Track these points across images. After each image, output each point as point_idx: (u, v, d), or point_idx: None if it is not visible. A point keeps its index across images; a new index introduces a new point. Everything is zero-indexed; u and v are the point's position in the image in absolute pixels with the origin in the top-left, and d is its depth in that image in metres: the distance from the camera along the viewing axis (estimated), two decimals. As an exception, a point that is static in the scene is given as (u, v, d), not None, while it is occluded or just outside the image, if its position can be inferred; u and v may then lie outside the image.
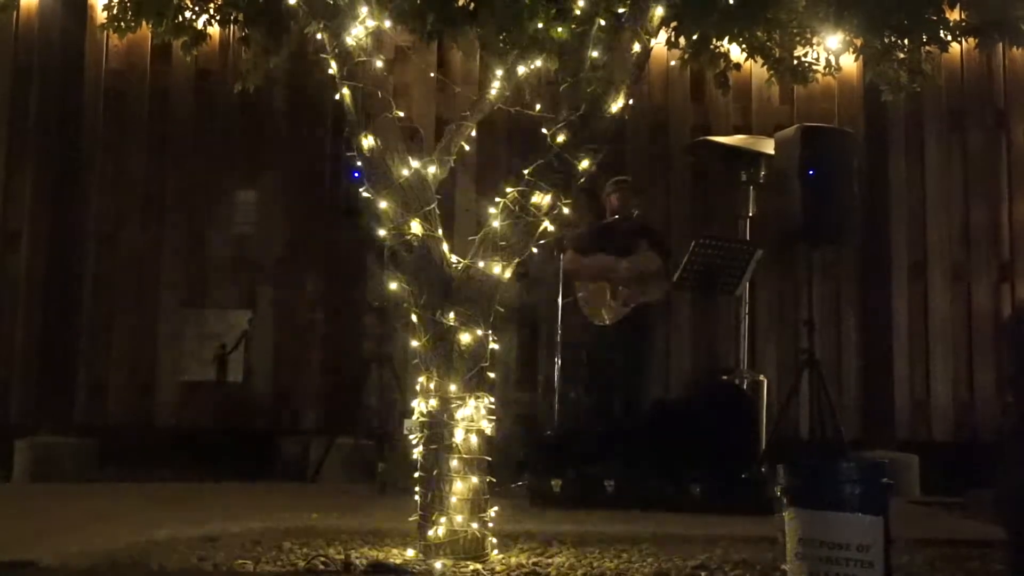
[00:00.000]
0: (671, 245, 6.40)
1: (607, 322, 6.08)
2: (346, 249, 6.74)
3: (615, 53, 3.95)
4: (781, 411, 6.23)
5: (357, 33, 3.89)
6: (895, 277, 7.09)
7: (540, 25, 4.13)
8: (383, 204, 3.90)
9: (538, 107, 4.19)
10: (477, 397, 3.80)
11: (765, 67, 5.14)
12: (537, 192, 3.89)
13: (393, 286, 3.96)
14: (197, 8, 4.83)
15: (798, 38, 4.96)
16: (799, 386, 6.20)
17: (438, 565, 3.63)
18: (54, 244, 6.72)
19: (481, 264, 3.88)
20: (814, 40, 5.05)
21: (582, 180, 4.01)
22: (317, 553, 3.81)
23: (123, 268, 6.87)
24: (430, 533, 3.72)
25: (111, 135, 6.94)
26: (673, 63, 5.77)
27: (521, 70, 4.29)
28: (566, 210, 3.99)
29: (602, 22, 3.96)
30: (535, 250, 4.05)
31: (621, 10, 3.95)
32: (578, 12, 4.06)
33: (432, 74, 6.85)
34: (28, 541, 3.83)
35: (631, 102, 4.09)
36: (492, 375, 3.88)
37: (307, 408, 6.81)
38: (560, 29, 4.08)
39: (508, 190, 3.93)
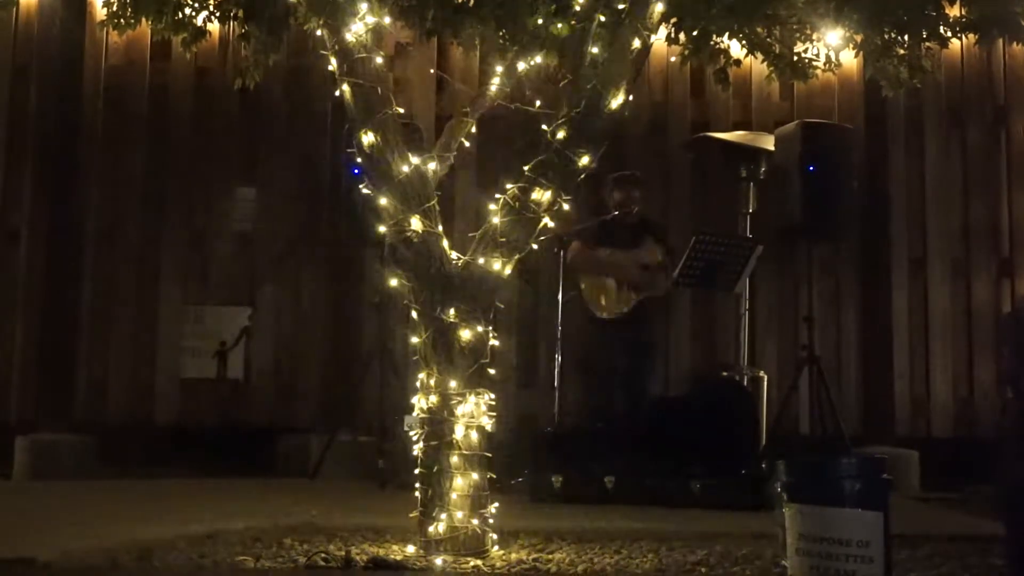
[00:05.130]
0: (671, 241, 6.40)
1: (612, 315, 6.07)
2: (346, 246, 6.74)
3: (615, 49, 3.96)
4: (781, 407, 6.24)
5: (357, 29, 3.89)
6: (895, 273, 7.08)
7: (540, 21, 4.14)
8: (383, 200, 3.90)
9: (538, 103, 4.19)
10: (477, 393, 3.81)
11: (765, 63, 5.14)
12: (537, 188, 3.89)
13: (393, 282, 3.96)
14: (197, 5, 4.83)
15: (798, 34, 4.96)
16: (799, 382, 6.21)
17: (438, 561, 3.63)
18: (53, 241, 6.71)
19: (481, 260, 3.88)
20: (814, 36, 5.05)
21: (582, 176, 4.01)
22: (317, 550, 3.82)
23: (123, 265, 6.87)
24: (430, 529, 3.72)
25: (110, 132, 6.94)
26: (673, 59, 5.76)
27: (521, 66, 4.30)
28: (566, 206, 3.99)
29: (602, 18, 3.96)
30: (535, 246, 4.05)
31: (621, 6, 3.95)
32: (578, 8, 4.07)
33: (432, 70, 6.85)
34: (28, 538, 3.83)
35: (631, 98, 4.09)
36: (492, 371, 3.88)
37: (307, 405, 6.81)
38: (560, 25, 4.08)
39: (508, 186, 3.94)
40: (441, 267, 3.87)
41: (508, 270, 3.95)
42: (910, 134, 7.23)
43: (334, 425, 6.28)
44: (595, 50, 3.90)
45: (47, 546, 3.64)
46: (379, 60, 3.98)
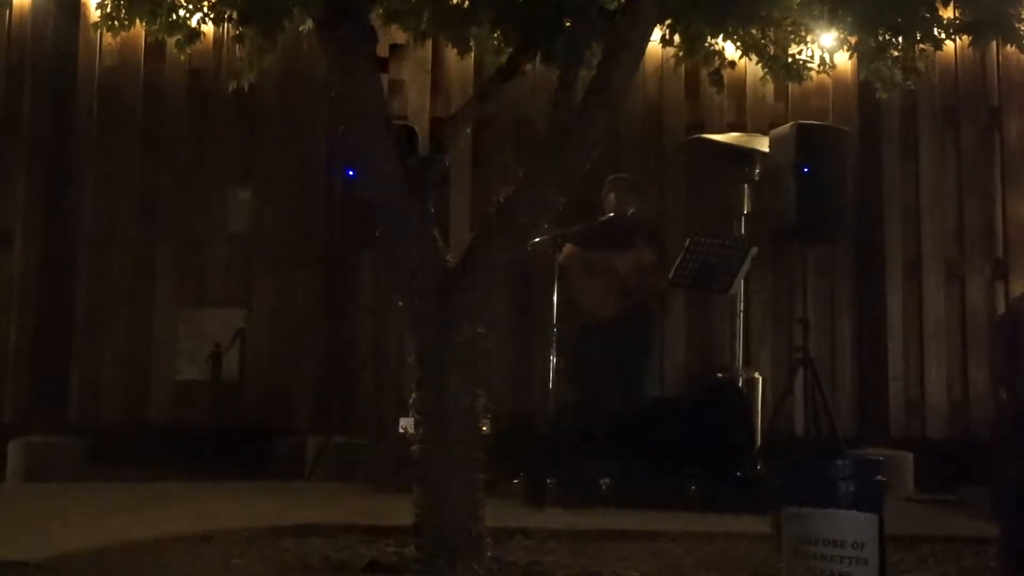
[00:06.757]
0: (666, 242, 6.41)
1: (606, 316, 6.08)
2: (341, 247, 6.73)
3: (610, 52, 3.96)
4: (776, 409, 6.24)
5: (351, 31, 3.89)
6: (889, 274, 7.09)
7: (534, 24, 4.14)
8: (378, 203, 3.90)
9: (531, 106, 4.20)
10: (473, 395, 3.81)
11: (760, 65, 5.14)
12: (533, 190, 3.90)
13: (388, 285, 3.96)
14: (191, 6, 4.81)
15: (792, 36, 4.97)
16: (794, 384, 6.21)
17: (434, 563, 3.63)
18: (47, 243, 6.69)
19: (477, 262, 3.88)
20: (808, 38, 5.05)
21: (577, 178, 4.01)
22: (312, 552, 3.81)
23: (117, 267, 6.85)
24: (426, 531, 3.72)
25: (104, 134, 6.91)
26: (668, 60, 5.76)
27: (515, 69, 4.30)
28: (561, 208, 4.00)
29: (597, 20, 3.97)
30: (531, 248, 4.06)
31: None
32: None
33: (426, 72, 6.85)
34: (22, 541, 3.82)
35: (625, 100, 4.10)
36: (487, 373, 3.88)
37: (302, 406, 6.79)
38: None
39: (503, 188, 3.94)
40: (436, 268, 3.87)
41: (503, 272, 3.95)
42: (904, 136, 7.23)
43: (329, 427, 6.27)
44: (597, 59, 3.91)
45: (41, 548, 3.63)
46: (374, 62, 3.99)
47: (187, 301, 6.84)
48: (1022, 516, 3.28)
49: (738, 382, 6.25)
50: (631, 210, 6.25)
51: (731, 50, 5.12)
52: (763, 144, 6.36)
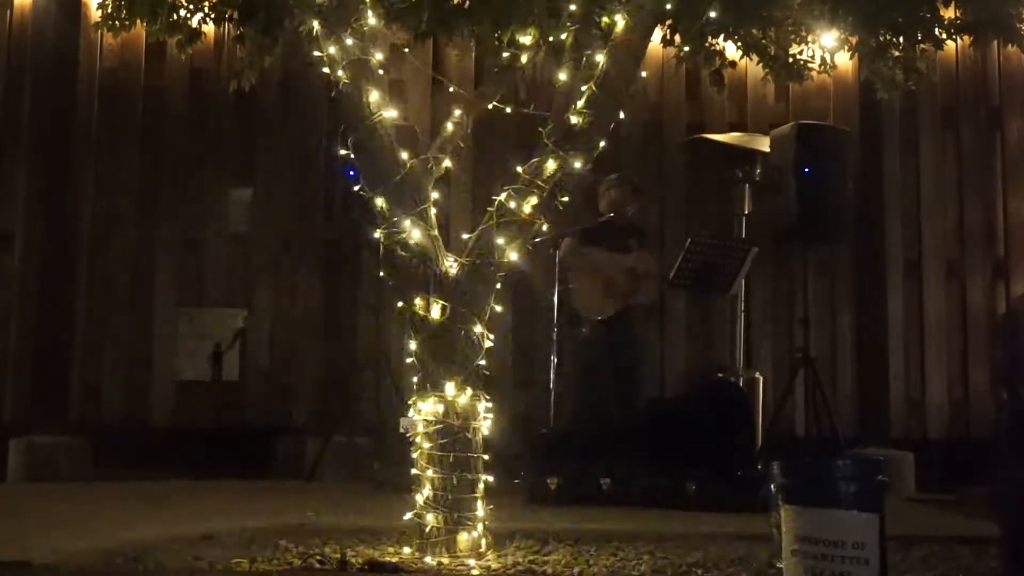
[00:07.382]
0: (664, 245, 6.42)
1: (597, 317, 6.08)
2: (341, 247, 6.73)
3: (611, 51, 3.96)
4: (777, 409, 6.24)
5: (352, 31, 3.89)
6: (890, 275, 7.09)
7: (535, 24, 4.14)
8: (378, 202, 3.90)
9: (533, 106, 4.20)
10: (473, 395, 3.81)
11: (760, 65, 5.14)
12: (533, 190, 3.90)
13: (389, 285, 3.96)
14: (192, 6, 4.82)
15: (793, 36, 4.97)
16: (794, 384, 6.21)
17: (434, 563, 3.63)
18: (48, 244, 6.70)
19: (477, 262, 3.88)
20: (809, 38, 5.06)
21: (577, 178, 4.01)
22: (313, 552, 3.82)
23: (118, 267, 6.86)
24: (426, 531, 3.72)
25: (105, 134, 6.93)
26: (668, 60, 5.76)
27: (517, 68, 4.30)
28: (561, 208, 4.00)
29: (599, 20, 3.97)
30: (531, 248, 4.06)
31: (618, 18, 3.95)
32: (573, 8, 4.07)
33: (427, 72, 6.85)
34: (23, 541, 3.82)
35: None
36: (488, 373, 3.88)
37: (303, 407, 6.80)
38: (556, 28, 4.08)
39: (504, 188, 3.94)
40: (436, 269, 3.87)
41: (503, 272, 3.95)
42: (905, 136, 7.24)
43: (330, 427, 6.27)
44: (599, 58, 3.90)
45: (42, 549, 3.63)
46: (374, 61, 3.99)
47: (187, 301, 6.85)
48: (1022, 516, 3.27)
49: (738, 382, 6.26)
50: (630, 210, 6.25)
51: (732, 50, 5.13)
52: (764, 144, 6.36)
